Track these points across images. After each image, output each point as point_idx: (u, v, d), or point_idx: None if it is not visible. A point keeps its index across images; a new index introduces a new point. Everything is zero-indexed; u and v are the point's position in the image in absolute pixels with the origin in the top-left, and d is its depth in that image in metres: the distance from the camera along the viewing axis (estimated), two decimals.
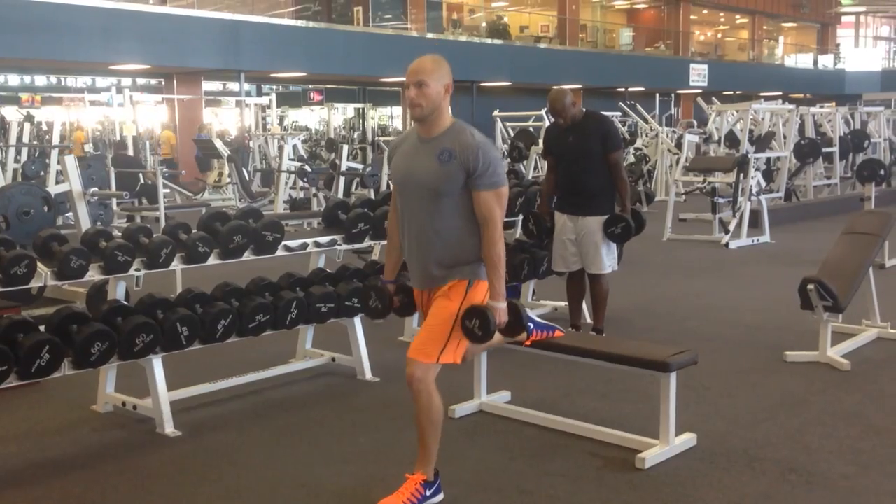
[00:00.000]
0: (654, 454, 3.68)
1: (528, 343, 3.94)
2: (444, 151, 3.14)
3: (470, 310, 3.18)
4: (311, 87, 26.63)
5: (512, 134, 14.47)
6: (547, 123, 12.97)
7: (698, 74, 28.33)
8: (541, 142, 12.03)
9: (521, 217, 6.28)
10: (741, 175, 10.13)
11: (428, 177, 3.15)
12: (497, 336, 3.31)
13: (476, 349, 3.52)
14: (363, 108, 20.76)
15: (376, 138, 17.21)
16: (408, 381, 3.17)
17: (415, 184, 3.20)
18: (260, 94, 23.40)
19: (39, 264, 3.83)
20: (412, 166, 3.22)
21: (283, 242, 4.59)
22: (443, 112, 3.19)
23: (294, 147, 13.87)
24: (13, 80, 23.30)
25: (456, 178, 3.12)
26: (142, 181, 12.77)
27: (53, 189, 7.85)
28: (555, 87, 5.46)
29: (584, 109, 5.49)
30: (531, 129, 14.06)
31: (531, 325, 3.83)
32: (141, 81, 22.04)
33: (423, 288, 3.31)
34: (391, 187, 3.37)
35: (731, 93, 29.05)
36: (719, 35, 36.85)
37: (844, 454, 3.77)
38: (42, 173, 10.81)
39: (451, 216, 3.17)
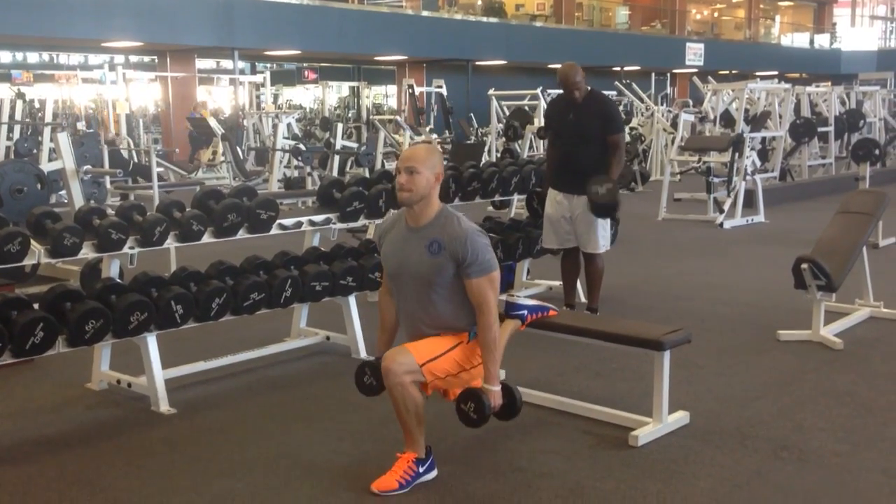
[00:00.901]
0: (647, 432, 3.70)
1: (522, 328, 3.95)
2: (433, 243, 3.20)
3: (465, 393, 3.25)
4: (305, 65, 26.49)
5: (507, 113, 14.43)
6: (542, 103, 12.94)
7: (694, 53, 28.22)
8: (536, 121, 12.03)
9: (515, 196, 6.29)
10: (736, 155, 10.13)
11: (419, 269, 3.22)
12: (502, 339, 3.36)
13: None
14: (358, 87, 20.63)
15: (371, 117, 17.14)
16: (383, 374, 3.19)
17: (408, 275, 3.27)
18: (254, 72, 23.29)
19: (33, 242, 3.81)
20: (403, 258, 3.28)
21: (278, 221, 4.58)
22: (431, 200, 3.26)
23: (288, 126, 13.82)
24: (5, 56, 23.13)
25: (446, 269, 3.20)
26: (135, 160, 12.72)
27: (46, 167, 7.81)
28: (567, 62, 5.40)
29: (589, 88, 5.44)
30: (527, 108, 14.00)
31: (525, 313, 3.84)
32: (134, 59, 21.89)
33: None
34: (383, 271, 3.48)
35: (727, 72, 28.96)
36: (716, 14, 36.68)
37: (836, 432, 3.80)
38: (35, 151, 10.76)
39: (446, 302, 3.26)
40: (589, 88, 5.43)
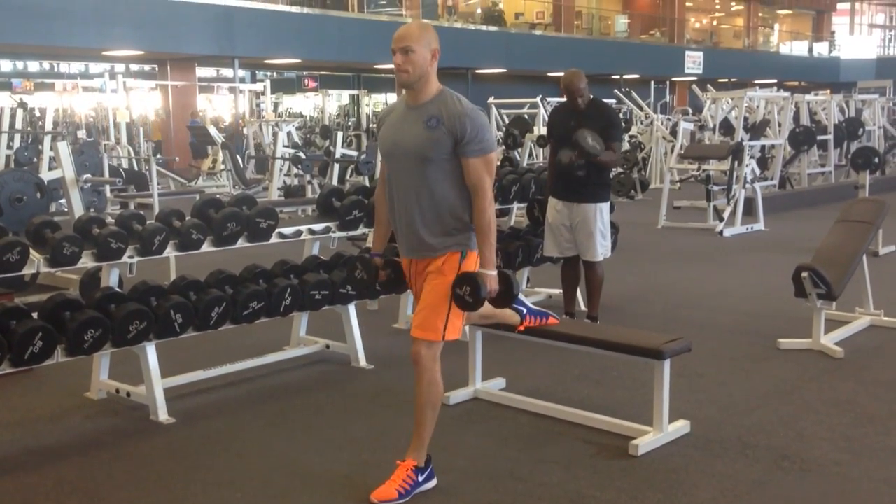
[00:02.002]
0: (647, 441, 3.69)
1: (521, 328, 3.94)
2: (431, 118, 3.12)
3: (461, 277, 3.16)
4: (305, 73, 26.53)
5: (507, 121, 14.44)
6: (542, 111, 12.95)
7: (693, 62, 28.29)
8: (535, 129, 12.03)
9: (515, 204, 6.28)
10: (736, 163, 10.14)
11: (415, 143, 3.13)
12: (491, 308, 3.30)
13: (470, 318, 3.49)
14: (358, 95, 20.68)
15: (371, 125, 17.18)
16: (413, 360, 3.16)
17: (402, 151, 3.18)
18: (254, 80, 23.33)
19: (32, 251, 3.81)
20: (399, 134, 3.20)
21: (278, 229, 4.57)
22: (430, 78, 3.17)
23: (288, 134, 13.83)
24: (6, 65, 23.17)
25: (443, 145, 3.11)
26: (134, 167, 12.73)
27: (46, 175, 7.79)
28: (572, 69, 5.42)
29: (591, 97, 5.46)
30: (526, 116, 14.01)
31: (524, 310, 3.83)
32: (134, 68, 21.92)
33: (413, 257, 3.29)
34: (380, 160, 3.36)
35: (727, 80, 28.98)
36: (715, 22, 36.77)
37: (837, 441, 3.78)
38: (35, 160, 10.75)
39: (439, 183, 3.15)
40: (591, 96, 5.45)
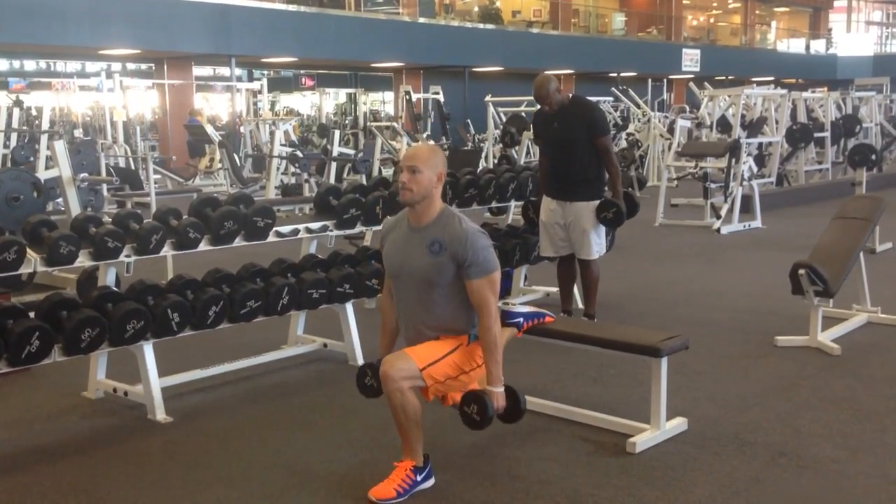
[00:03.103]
0: (645, 439, 3.70)
1: (518, 335, 3.95)
2: (434, 243, 3.21)
3: (468, 396, 3.24)
4: (302, 72, 26.50)
5: (504, 119, 14.44)
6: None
7: (690, 59, 28.30)
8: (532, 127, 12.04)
9: (512, 203, 6.29)
10: (733, 160, 10.15)
11: (420, 269, 3.23)
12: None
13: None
14: (355, 94, 20.66)
15: (368, 124, 17.17)
16: (381, 379, 3.18)
17: (408, 275, 3.27)
18: (251, 79, 23.30)
19: (29, 250, 3.80)
20: (404, 257, 3.29)
21: (275, 228, 4.57)
22: (433, 200, 3.26)
23: (285, 132, 13.82)
24: (1, 64, 23.12)
25: (447, 269, 3.20)
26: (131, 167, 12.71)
27: (43, 174, 7.79)
28: (541, 74, 5.43)
29: (570, 95, 5.48)
30: (523, 114, 14.02)
31: (521, 320, 3.84)
32: (131, 66, 21.89)
33: None
34: (385, 272, 3.47)
35: (724, 78, 29.01)
36: (712, 20, 36.78)
37: (834, 438, 3.79)
38: (31, 159, 10.74)
39: (446, 303, 3.26)
40: (570, 95, 5.46)
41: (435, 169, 3.24)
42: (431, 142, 15.00)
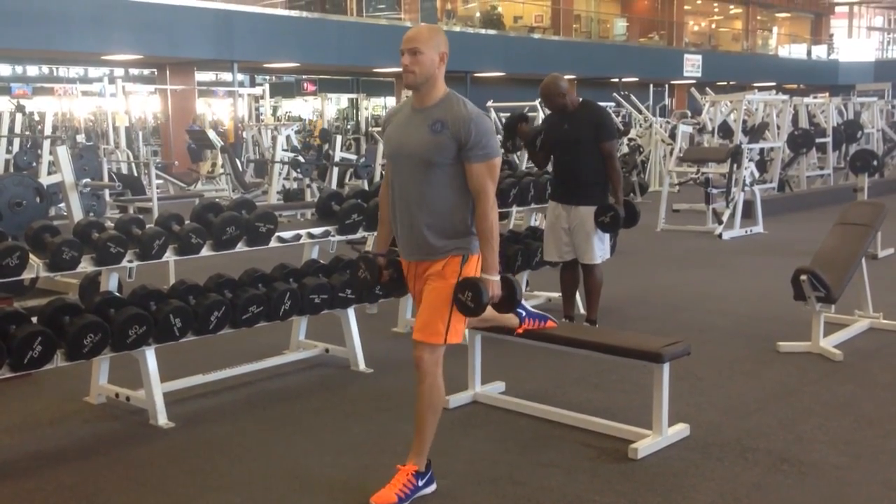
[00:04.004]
0: (647, 444, 3.69)
1: (520, 331, 3.94)
2: (436, 122, 3.12)
3: (463, 282, 3.16)
4: (304, 77, 26.55)
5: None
6: (541, 114, 12.96)
7: (692, 65, 28.30)
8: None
9: (514, 208, 6.29)
10: (735, 166, 10.15)
11: (419, 147, 3.14)
12: (490, 311, 3.29)
13: (470, 322, 3.48)
14: (356, 99, 20.68)
15: (370, 129, 17.20)
16: (416, 364, 3.16)
17: (406, 154, 3.18)
18: (253, 84, 23.34)
19: (31, 256, 3.81)
20: (404, 137, 3.20)
21: (277, 234, 4.57)
22: (437, 81, 3.16)
23: (287, 138, 13.84)
24: (4, 70, 23.18)
25: (448, 149, 3.11)
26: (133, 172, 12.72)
27: (46, 180, 7.80)
28: (550, 74, 5.45)
29: (580, 99, 5.48)
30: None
31: (523, 313, 3.83)
32: (133, 72, 21.94)
33: (413, 259, 3.28)
34: (385, 162, 3.36)
35: (725, 83, 29.03)
36: (713, 25, 36.81)
37: (836, 444, 3.79)
38: (34, 164, 10.76)
39: (442, 187, 3.15)
40: (580, 99, 5.46)
41: (437, 48, 3.13)
42: None
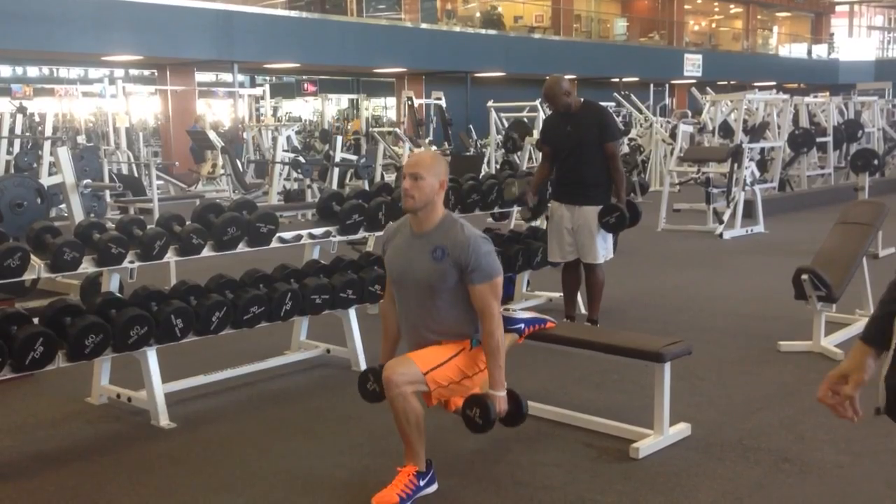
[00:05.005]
0: (648, 444, 3.69)
1: (520, 341, 3.95)
2: (436, 249, 3.21)
3: (470, 399, 3.24)
4: (304, 77, 26.55)
5: (506, 125, 14.46)
6: (541, 114, 12.97)
7: (692, 64, 28.30)
8: (535, 132, 12.05)
9: (515, 208, 6.29)
10: (735, 165, 10.15)
11: (423, 275, 3.23)
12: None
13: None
14: (357, 99, 20.69)
15: (370, 129, 17.20)
16: (384, 385, 3.17)
17: (412, 281, 3.28)
18: (253, 85, 23.34)
19: (33, 256, 3.81)
20: (407, 263, 3.29)
21: (278, 234, 4.58)
22: (435, 207, 3.27)
23: (288, 138, 13.84)
24: (5, 70, 23.18)
25: (450, 275, 3.21)
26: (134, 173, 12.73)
27: (46, 181, 7.81)
28: (552, 75, 5.45)
29: (581, 99, 5.48)
30: (525, 119, 14.03)
31: (521, 325, 3.85)
32: (134, 72, 21.94)
33: None
34: (386, 278, 3.48)
35: (726, 83, 29.02)
36: (714, 25, 36.81)
37: (838, 443, 3.78)
38: (35, 165, 10.77)
39: (448, 309, 3.27)
40: (582, 100, 5.46)
41: (438, 176, 3.25)
42: (434, 148, 15.02)
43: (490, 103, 14.41)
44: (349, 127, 20.16)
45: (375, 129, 16.18)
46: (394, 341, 3.50)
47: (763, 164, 12.38)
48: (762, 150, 12.39)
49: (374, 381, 3.41)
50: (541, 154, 5.74)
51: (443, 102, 17.97)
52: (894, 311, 1.98)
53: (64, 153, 6.39)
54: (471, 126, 18.97)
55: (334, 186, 11.31)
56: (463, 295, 3.25)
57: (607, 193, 5.40)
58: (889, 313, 1.98)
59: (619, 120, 16.83)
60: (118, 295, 4.24)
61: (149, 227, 4.22)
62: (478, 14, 26.46)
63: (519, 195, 5.73)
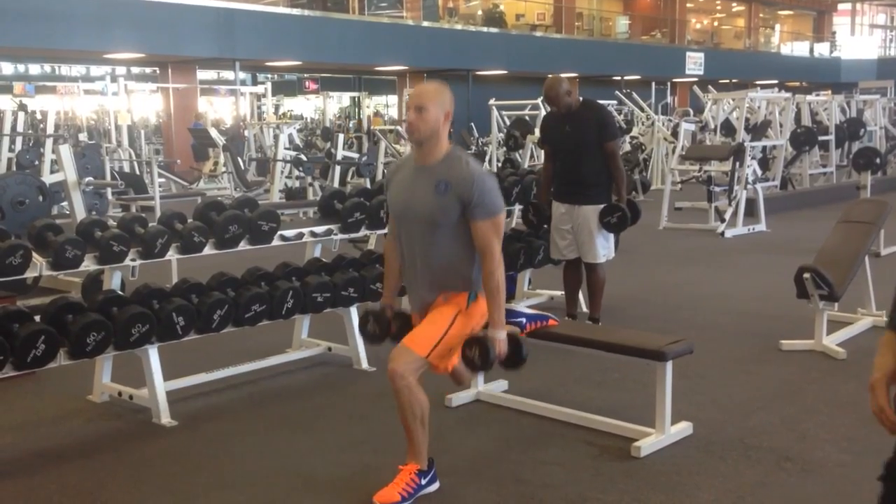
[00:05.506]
0: (649, 443, 3.69)
1: (521, 335, 3.94)
2: (440, 183, 3.16)
3: (470, 339, 3.20)
4: (306, 75, 26.56)
5: (508, 122, 14.45)
6: (543, 112, 12.95)
7: (694, 63, 28.27)
8: (537, 130, 12.05)
9: (517, 206, 6.29)
10: (737, 164, 10.14)
11: (425, 208, 3.18)
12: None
13: (469, 375, 3.50)
14: (359, 97, 20.70)
15: (372, 127, 17.20)
16: (389, 377, 3.14)
17: (413, 215, 3.23)
18: (255, 82, 23.33)
19: (34, 254, 3.82)
20: (410, 197, 3.25)
21: (279, 232, 4.58)
22: (440, 139, 3.21)
23: (289, 136, 13.84)
24: (7, 68, 23.20)
25: (452, 210, 3.16)
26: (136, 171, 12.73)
27: (48, 178, 7.81)
28: (552, 75, 5.45)
29: (580, 98, 5.48)
30: (527, 117, 14.02)
31: (524, 320, 3.84)
32: (135, 70, 21.95)
33: (423, 312, 3.32)
34: (389, 215, 3.43)
35: (728, 81, 28.99)
36: (716, 23, 36.77)
37: (839, 442, 3.78)
38: (36, 163, 10.78)
39: (449, 245, 3.21)
40: (581, 99, 5.46)
41: (442, 106, 3.17)
42: None
43: (492, 101, 14.39)
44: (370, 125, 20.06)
45: (377, 127, 16.18)
46: (396, 278, 3.46)
47: (765, 163, 12.37)
48: (764, 148, 12.38)
49: (373, 323, 3.40)
50: (542, 153, 5.74)
51: None
52: None
53: (66, 151, 6.39)
54: (472, 124, 18.96)
55: (336, 184, 11.31)
56: (464, 231, 3.18)
57: (607, 193, 5.40)
58: None
59: (620, 118, 16.81)
60: (120, 293, 4.24)
61: (150, 224, 4.23)
62: (479, 12, 26.45)
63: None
